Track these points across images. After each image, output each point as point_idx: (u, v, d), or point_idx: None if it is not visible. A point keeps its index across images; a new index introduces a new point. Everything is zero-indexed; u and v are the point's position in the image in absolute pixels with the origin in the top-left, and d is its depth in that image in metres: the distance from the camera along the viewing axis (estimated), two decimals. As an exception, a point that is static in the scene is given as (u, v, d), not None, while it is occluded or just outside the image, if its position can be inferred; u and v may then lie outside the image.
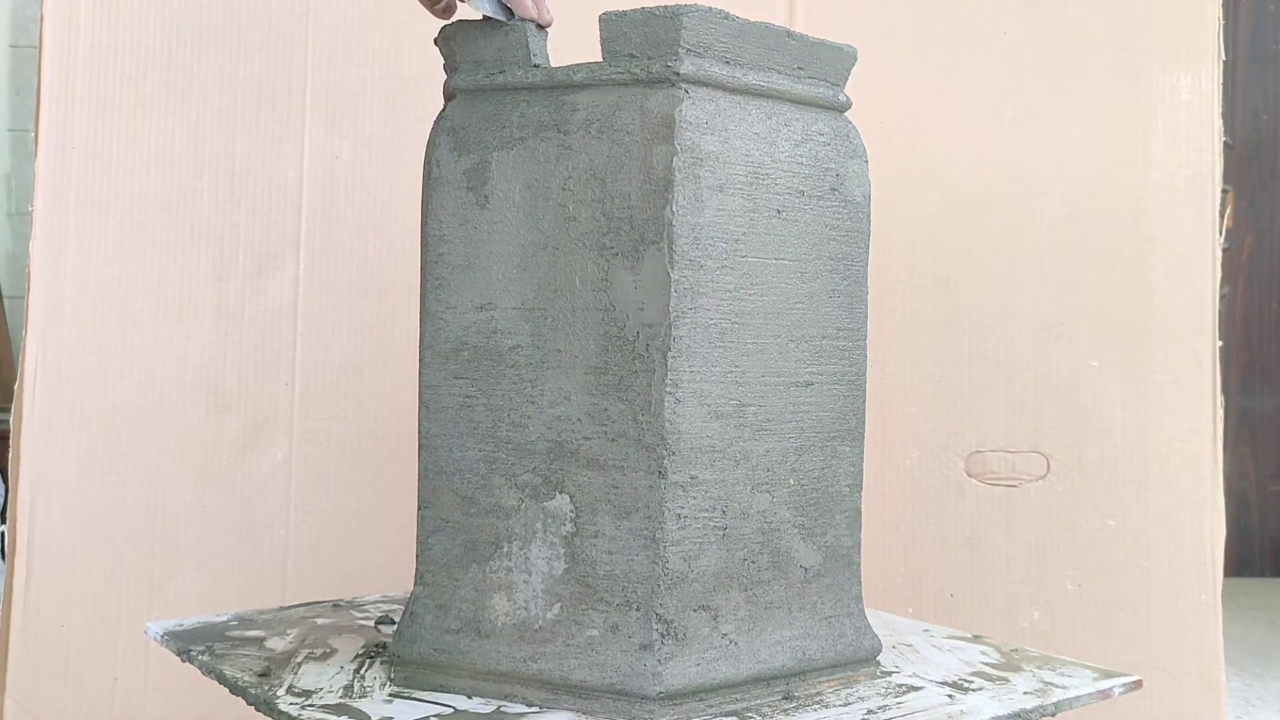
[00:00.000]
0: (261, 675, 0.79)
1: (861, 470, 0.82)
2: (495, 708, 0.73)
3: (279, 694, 0.76)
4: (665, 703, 0.70)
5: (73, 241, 1.22)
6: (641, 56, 0.72)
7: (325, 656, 0.85)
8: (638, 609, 0.71)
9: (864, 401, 0.82)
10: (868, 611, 0.84)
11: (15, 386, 1.21)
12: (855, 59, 0.82)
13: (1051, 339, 1.27)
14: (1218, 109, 1.26)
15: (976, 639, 0.93)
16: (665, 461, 0.71)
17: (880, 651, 0.83)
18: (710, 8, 0.73)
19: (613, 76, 0.73)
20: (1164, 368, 1.26)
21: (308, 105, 1.25)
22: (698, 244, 0.71)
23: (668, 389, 0.71)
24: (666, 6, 0.72)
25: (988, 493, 1.27)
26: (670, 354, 0.70)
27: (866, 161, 0.81)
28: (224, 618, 0.95)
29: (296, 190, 1.25)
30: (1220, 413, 1.25)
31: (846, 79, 0.82)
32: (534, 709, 0.73)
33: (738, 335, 0.74)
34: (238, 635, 0.90)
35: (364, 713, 0.73)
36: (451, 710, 0.73)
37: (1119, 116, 1.27)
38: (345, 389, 1.25)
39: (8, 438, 1.23)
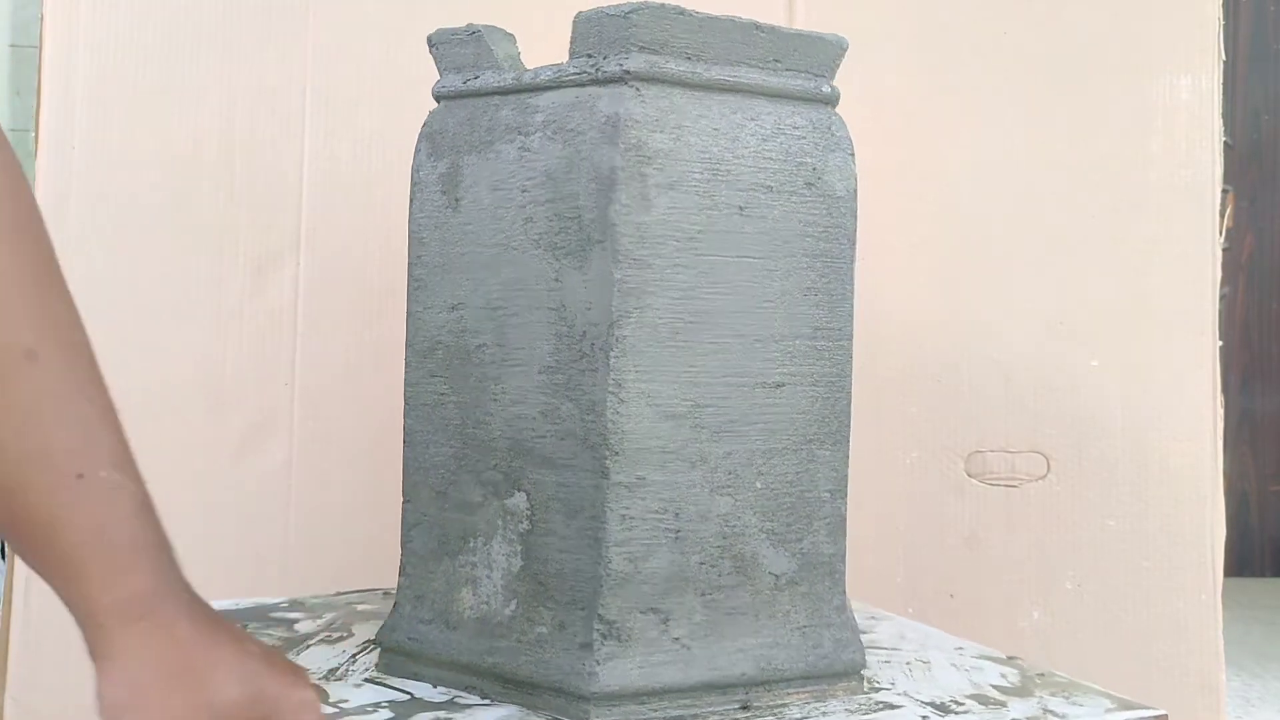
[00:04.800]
0: None
1: (845, 475, 0.80)
2: (450, 698, 0.75)
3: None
4: (601, 703, 0.70)
5: (73, 241, 1.22)
6: (597, 56, 0.73)
7: (339, 640, 0.87)
8: (582, 608, 0.71)
9: (848, 404, 0.79)
10: (906, 621, 0.81)
11: (15, 386, 1.21)
12: (843, 49, 0.80)
13: (1051, 339, 1.27)
14: (1218, 109, 1.26)
15: (1010, 660, 0.88)
16: (608, 462, 0.70)
17: (862, 666, 0.79)
18: (664, 4, 0.72)
19: (572, 77, 0.74)
20: (1164, 368, 1.26)
21: (308, 105, 1.25)
22: (644, 243, 0.71)
23: (610, 389, 0.70)
24: (620, 4, 0.73)
25: (988, 493, 1.27)
26: (613, 354, 0.70)
27: (852, 155, 0.79)
28: (277, 600, 0.98)
29: (296, 190, 1.25)
30: (1220, 413, 1.25)
31: (833, 69, 0.80)
32: (486, 702, 0.74)
33: (694, 334, 0.73)
34: (279, 616, 0.93)
35: (325, 693, 0.75)
36: (409, 697, 0.75)
37: (1119, 116, 1.27)
38: (345, 389, 1.25)
39: (8, 438, 1.23)
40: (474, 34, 0.79)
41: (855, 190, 0.79)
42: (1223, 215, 1.28)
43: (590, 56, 0.73)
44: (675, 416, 0.72)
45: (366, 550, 1.24)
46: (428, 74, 0.86)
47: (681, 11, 0.73)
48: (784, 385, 0.76)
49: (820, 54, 0.78)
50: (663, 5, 0.72)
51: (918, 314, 1.28)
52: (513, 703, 0.73)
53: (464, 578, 0.77)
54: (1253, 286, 2.86)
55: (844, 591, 0.79)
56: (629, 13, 0.72)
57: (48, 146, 1.22)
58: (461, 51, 0.80)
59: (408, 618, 0.79)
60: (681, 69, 0.73)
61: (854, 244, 0.79)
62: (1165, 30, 1.27)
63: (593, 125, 0.71)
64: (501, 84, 0.77)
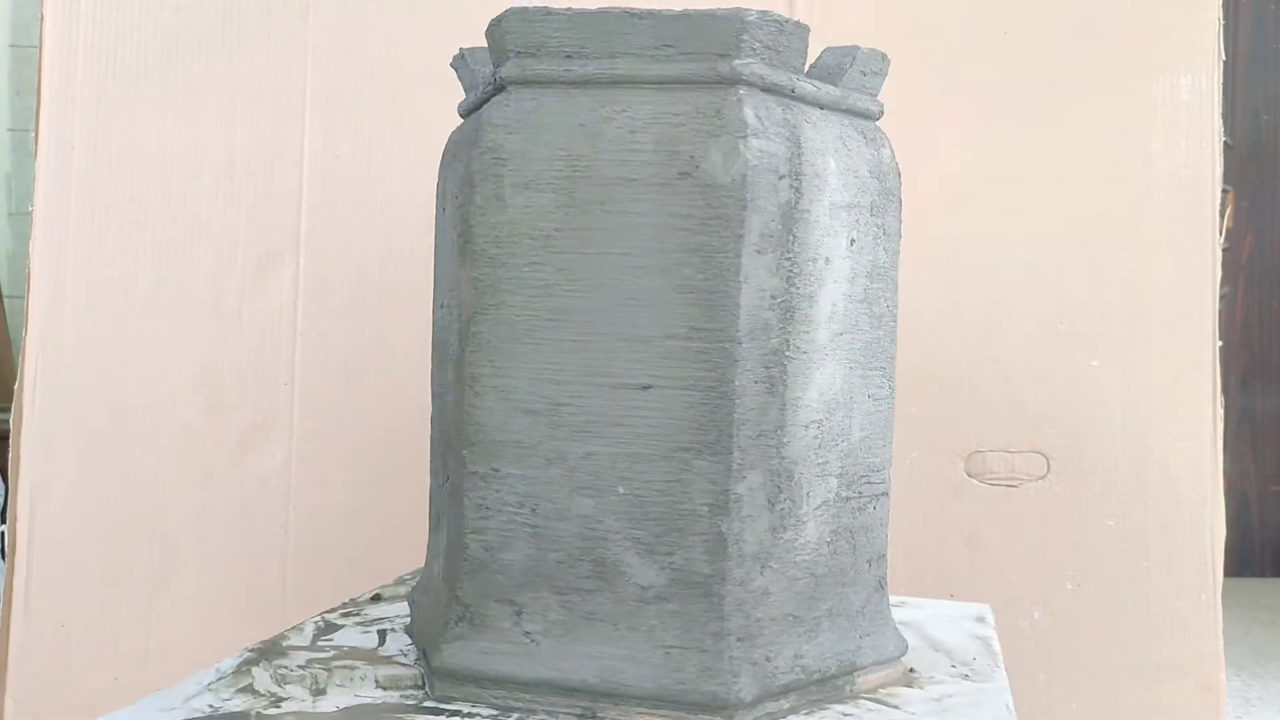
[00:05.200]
0: (373, 599, 0.93)
1: (729, 491, 0.71)
2: (395, 655, 0.81)
3: (337, 614, 0.89)
4: (445, 679, 0.73)
5: (73, 241, 1.22)
6: (496, 66, 0.76)
7: None
8: (452, 589, 0.75)
9: (734, 413, 0.71)
10: (995, 688, 0.76)
11: (15, 386, 1.21)
12: (747, 25, 0.72)
13: (1051, 339, 1.27)
14: (1218, 109, 1.27)
15: None
16: (464, 451, 0.73)
17: (738, 703, 0.71)
18: (527, 6, 0.73)
19: (487, 90, 0.77)
20: (1164, 368, 1.26)
21: (308, 105, 1.25)
22: (498, 242, 0.73)
23: (467, 383, 0.73)
24: (499, 14, 0.74)
25: (988, 493, 1.27)
26: (469, 348, 0.73)
27: (744, 137, 0.70)
28: None
29: (296, 190, 1.25)
30: (1220, 413, 1.25)
31: (739, 48, 0.72)
32: (409, 664, 0.79)
33: (555, 332, 0.72)
34: None
35: (329, 629, 0.84)
36: (373, 647, 0.82)
37: (1119, 116, 1.27)
38: (345, 389, 1.25)
39: (8, 438, 1.23)
40: (461, 58, 0.83)
41: (748, 177, 0.70)
42: (1223, 215, 1.28)
43: (495, 67, 0.76)
44: (532, 413, 0.73)
45: (366, 550, 1.24)
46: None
47: (549, 12, 0.73)
48: (651, 388, 0.72)
49: (714, 33, 0.72)
50: (526, 8, 0.73)
51: (918, 314, 1.28)
52: (417, 668, 0.78)
53: (436, 553, 0.82)
54: (1253, 286, 2.86)
55: (726, 618, 0.71)
56: (499, 21, 0.74)
57: (48, 146, 1.22)
58: (462, 74, 0.84)
59: (416, 585, 0.86)
60: (555, 68, 0.73)
61: (750, 236, 0.70)
62: (1165, 30, 1.27)
63: (474, 133, 0.75)
64: (470, 102, 0.82)
